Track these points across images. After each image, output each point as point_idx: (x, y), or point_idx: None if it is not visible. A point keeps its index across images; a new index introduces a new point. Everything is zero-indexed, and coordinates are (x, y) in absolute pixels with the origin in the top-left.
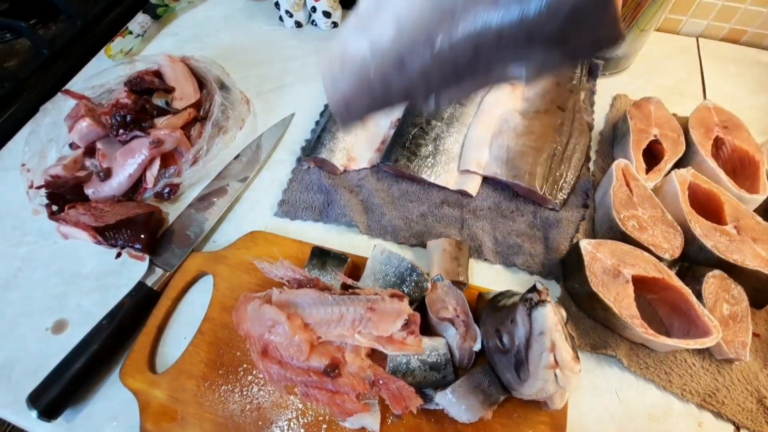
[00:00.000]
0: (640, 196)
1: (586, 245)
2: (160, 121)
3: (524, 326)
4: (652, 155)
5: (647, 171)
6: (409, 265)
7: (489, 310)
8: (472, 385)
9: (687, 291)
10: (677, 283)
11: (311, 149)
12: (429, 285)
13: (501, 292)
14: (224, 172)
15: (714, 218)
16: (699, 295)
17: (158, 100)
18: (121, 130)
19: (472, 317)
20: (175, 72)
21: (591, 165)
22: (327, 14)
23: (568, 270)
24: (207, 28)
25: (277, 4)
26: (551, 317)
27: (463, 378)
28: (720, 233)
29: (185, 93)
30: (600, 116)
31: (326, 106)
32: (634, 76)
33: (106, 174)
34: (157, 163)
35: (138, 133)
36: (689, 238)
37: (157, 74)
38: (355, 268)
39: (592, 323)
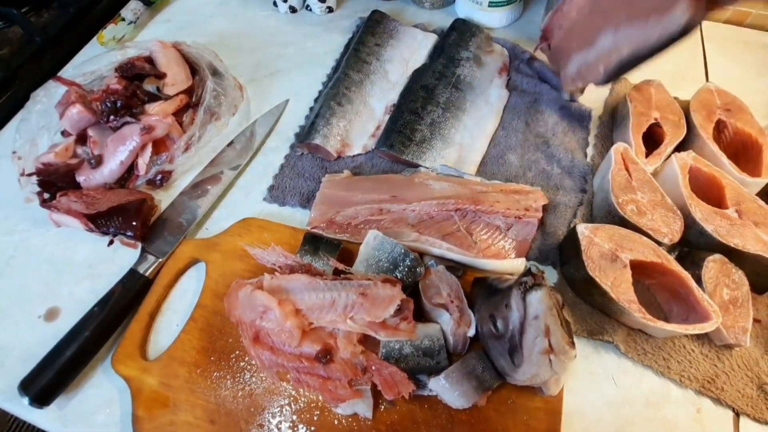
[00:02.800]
0: (639, 180)
1: (583, 230)
2: (151, 108)
3: (518, 310)
4: (653, 139)
5: (647, 155)
6: (403, 251)
7: (483, 295)
8: (466, 370)
9: (686, 276)
10: (676, 267)
11: (305, 135)
12: (422, 270)
13: (496, 277)
14: (217, 159)
15: (715, 202)
16: (699, 280)
17: (149, 86)
18: (111, 117)
19: (467, 303)
20: (166, 58)
21: (590, 149)
22: None
23: (565, 255)
24: (200, 15)
25: None
26: (546, 301)
27: (456, 364)
28: (721, 217)
29: (177, 79)
30: (599, 100)
31: (321, 92)
32: None
33: (98, 161)
34: (148, 150)
35: (129, 119)
36: (689, 223)
37: (149, 60)
38: (348, 254)
39: (589, 309)
